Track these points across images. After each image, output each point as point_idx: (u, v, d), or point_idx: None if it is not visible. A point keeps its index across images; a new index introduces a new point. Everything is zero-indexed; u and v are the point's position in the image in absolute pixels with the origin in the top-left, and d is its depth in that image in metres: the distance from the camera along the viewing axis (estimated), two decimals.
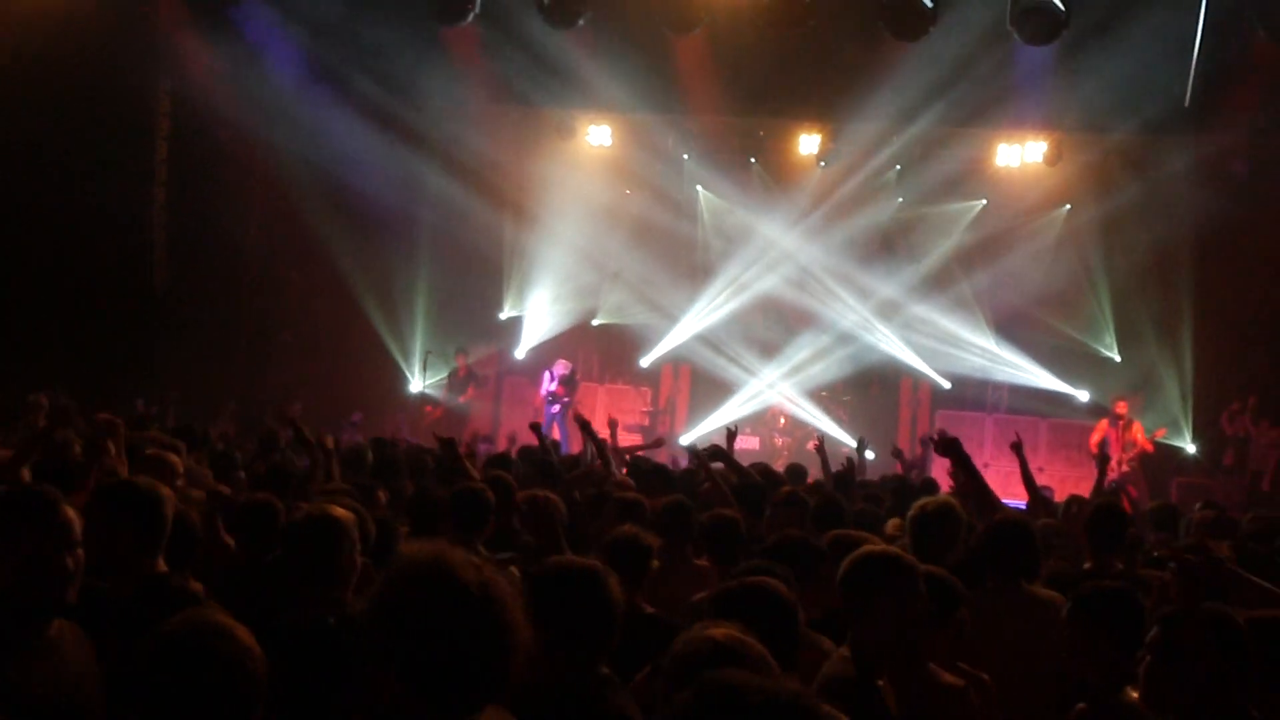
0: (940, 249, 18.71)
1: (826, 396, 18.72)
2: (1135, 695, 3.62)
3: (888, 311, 18.66)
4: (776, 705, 2.00)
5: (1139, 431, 15.92)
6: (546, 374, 17.84)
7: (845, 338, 18.61)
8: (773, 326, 19.17)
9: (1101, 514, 6.17)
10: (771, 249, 18.68)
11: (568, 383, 17.67)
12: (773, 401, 18.55)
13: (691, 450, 6.63)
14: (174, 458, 6.08)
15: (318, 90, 15.80)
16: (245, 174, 16.75)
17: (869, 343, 18.55)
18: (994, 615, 4.76)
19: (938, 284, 18.69)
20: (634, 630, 3.75)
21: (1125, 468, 15.45)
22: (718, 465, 8.23)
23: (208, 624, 2.44)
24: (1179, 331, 17.39)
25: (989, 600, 4.90)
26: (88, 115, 14.61)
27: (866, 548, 4.09)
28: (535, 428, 10.14)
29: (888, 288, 18.71)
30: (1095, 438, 16.19)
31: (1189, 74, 13.51)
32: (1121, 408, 16.25)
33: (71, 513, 3.26)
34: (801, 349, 18.75)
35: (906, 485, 9.26)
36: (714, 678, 2.09)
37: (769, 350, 18.83)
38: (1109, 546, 5.91)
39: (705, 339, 18.75)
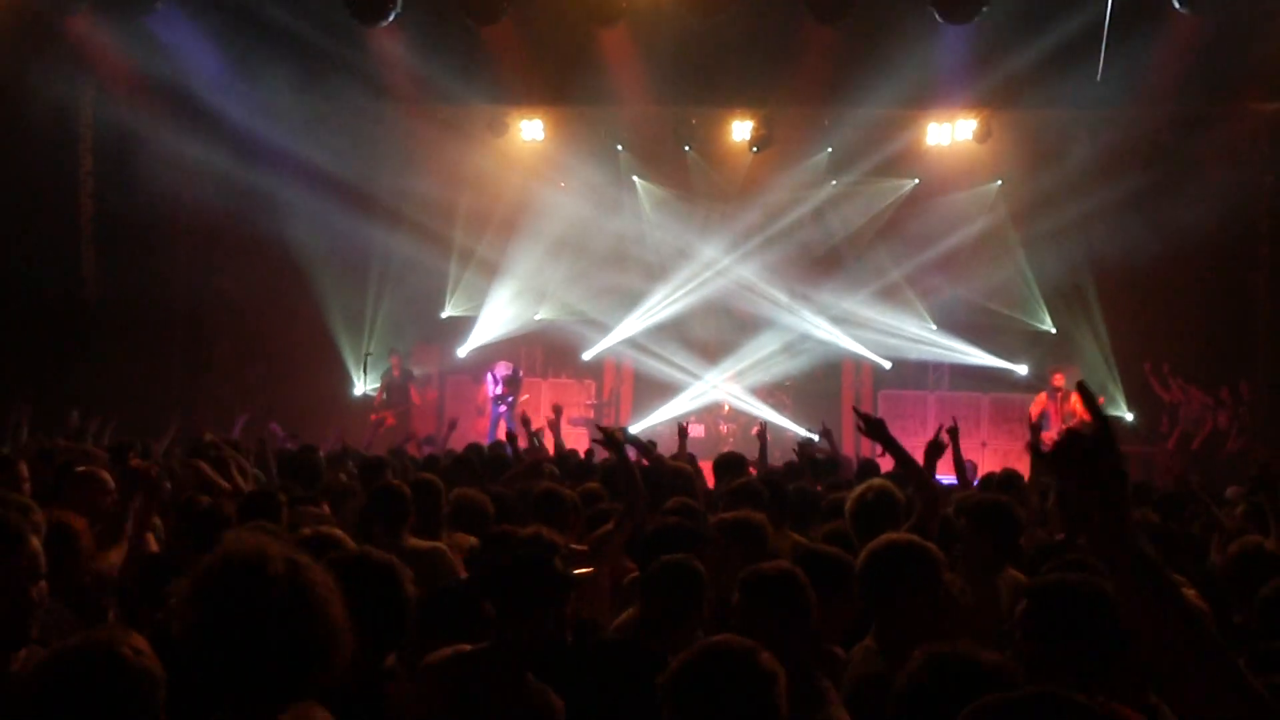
0: (872, 229, 18.90)
1: (770, 382, 18.85)
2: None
3: (828, 303, 18.83)
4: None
5: (1077, 402, 16.04)
6: (489, 376, 17.84)
7: (785, 331, 18.76)
8: (713, 327, 19.28)
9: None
10: (710, 246, 18.77)
11: (511, 383, 17.71)
12: (717, 398, 18.65)
13: (607, 435, 6.46)
14: (105, 474, 6.01)
15: (242, 92, 15.63)
16: (173, 180, 16.53)
17: (808, 332, 18.69)
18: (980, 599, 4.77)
19: (874, 270, 18.88)
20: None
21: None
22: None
23: (99, 643, 2.44)
24: (1088, 301, 17.73)
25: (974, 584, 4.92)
26: (8, 128, 14.40)
27: (886, 537, 4.16)
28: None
29: (826, 278, 18.89)
30: (1035, 410, 16.38)
31: (1100, 49, 13.62)
32: (1058, 379, 16.46)
33: (38, 544, 3.25)
34: (743, 345, 18.89)
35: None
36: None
37: (710, 350, 18.95)
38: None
39: (646, 338, 18.85)
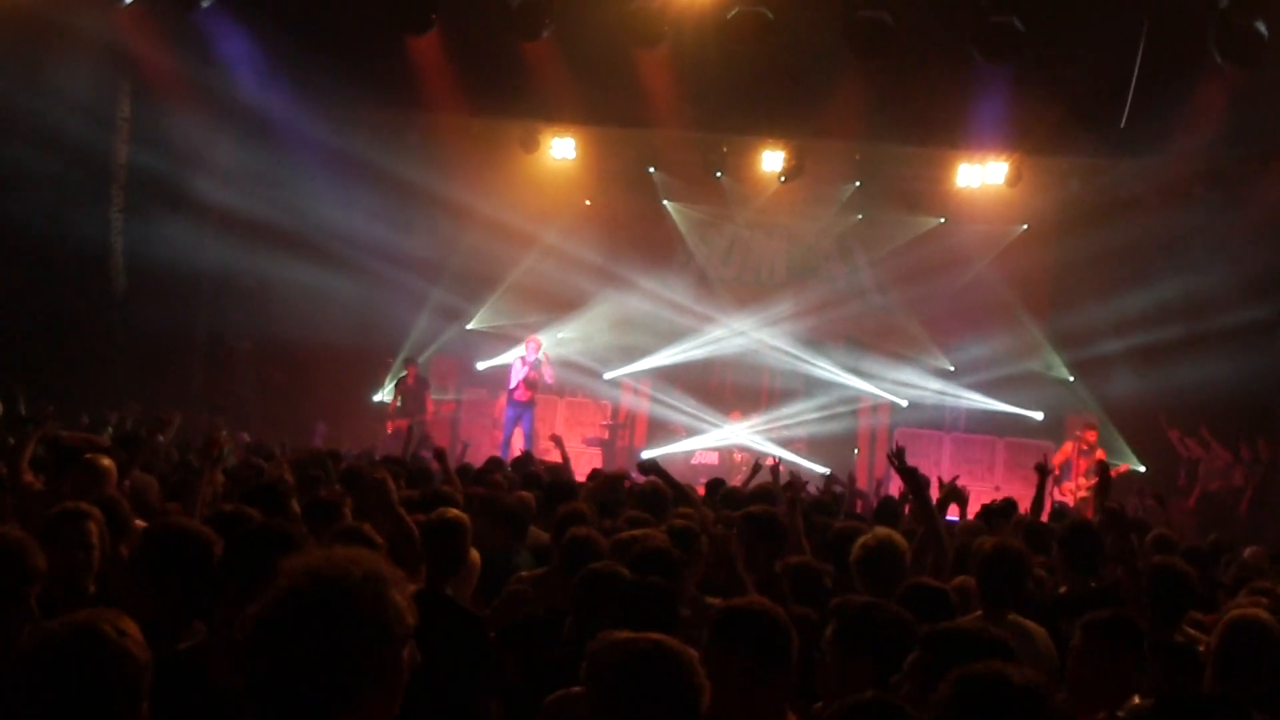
0: (896, 264, 18.99)
1: (787, 417, 18.88)
2: None
3: (848, 341, 18.99)
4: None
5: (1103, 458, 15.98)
6: (517, 361, 17.36)
7: (809, 381, 18.86)
8: (733, 376, 19.37)
9: (1075, 532, 6.17)
10: (737, 308, 19.08)
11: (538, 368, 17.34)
12: (733, 439, 18.69)
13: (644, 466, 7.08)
14: (107, 461, 6.06)
15: (279, 96, 15.73)
16: (204, 178, 16.64)
17: (827, 378, 18.80)
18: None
19: (895, 308, 19.01)
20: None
21: (1084, 493, 15.50)
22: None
23: (85, 627, 2.42)
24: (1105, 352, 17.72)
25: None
26: (46, 120, 14.47)
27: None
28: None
29: (846, 313, 18.99)
30: (1058, 459, 16.34)
31: (1127, 95, 13.65)
32: (1091, 435, 16.42)
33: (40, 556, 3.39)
34: (765, 398, 19.12)
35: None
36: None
37: (728, 397, 19.03)
38: (1085, 566, 5.93)
39: (667, 374, 19.03)
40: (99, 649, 2.41)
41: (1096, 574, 6.01)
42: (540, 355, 17.18)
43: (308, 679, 2.16)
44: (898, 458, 6.31)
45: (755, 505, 6.66)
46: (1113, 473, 15.52)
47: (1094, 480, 15.55)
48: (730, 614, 3.43)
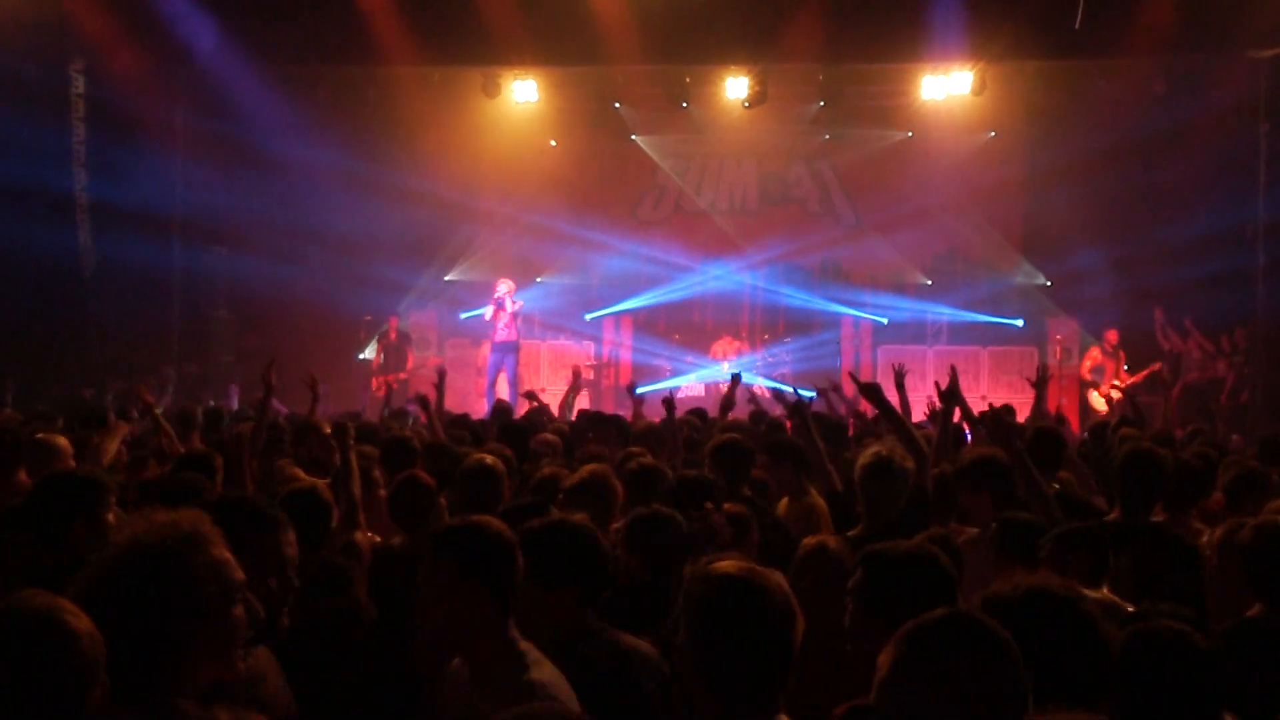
0: (865, 180, 19.02)
1: (769, 339, 18.98)
2: None
3: (824, 265, 19.05)
4: None
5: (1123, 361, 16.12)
6: (491, 306, 16.77)
7: (789, 308, 18.94)
8: (714, 311, 19.43)
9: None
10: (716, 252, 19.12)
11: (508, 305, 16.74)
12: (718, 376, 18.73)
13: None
14: (61, 440, 6.08)
15: (239, 62, 15.58)
16: (166, 148, 16.51)
17: (807, 304, 18.87)
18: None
19: (868, 225, 19.04)
20: None
21: (1118, 395, 15.24)
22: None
23: (27, 608, 2.25)
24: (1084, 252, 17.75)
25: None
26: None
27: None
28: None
29: (820, 234, 19.02)
30: (1086, 365, 16.36)
31: None
32: (1113, 336, 16.42)
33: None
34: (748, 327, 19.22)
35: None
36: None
37: (711, 331, 19.09)
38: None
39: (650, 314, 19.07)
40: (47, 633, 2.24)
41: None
42: (505, 292, 16.65)
43: (127, 642, 2.28)
44: (868, 393, 6.41)
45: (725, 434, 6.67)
46: (1144, 373, 15.76)
47: (1130, 380, 15.62)
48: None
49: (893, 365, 8.46)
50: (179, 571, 2.36)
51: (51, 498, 4.14)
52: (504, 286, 16.67)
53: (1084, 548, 4.21)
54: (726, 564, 2.76)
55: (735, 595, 2.64)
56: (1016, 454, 5.13)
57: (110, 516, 4.11)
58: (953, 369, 6.96)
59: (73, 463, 5.84)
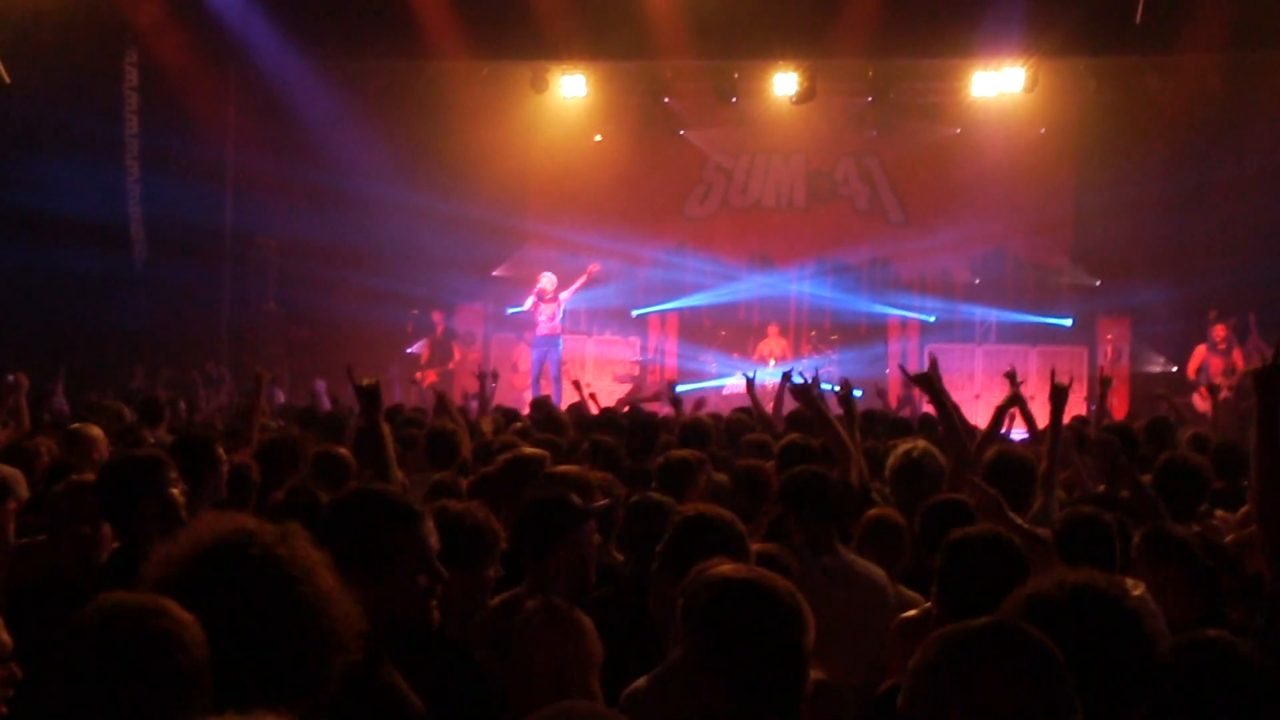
0: (914, 177, 18.88)
1: (815, 336, 18.87)
2: None
3: (872, 263, 18.96)
4: None
5: (1239, 358, 15.48)
6: (534, 298, 16.61)
7: (836, 307, 18.91)
8: (763, 310, 19.40)
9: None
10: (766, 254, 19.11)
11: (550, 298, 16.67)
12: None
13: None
14: (95, 430, 6.12)
15: (290, 57, 15.70)
16: (217, 142, 16.67)
17: (854, 303, 18.78)
18: None
19: (917, 223, 18.91)
20: None
21: (1226, 393, 14.70)
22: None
23: (127, 604, 2.09)
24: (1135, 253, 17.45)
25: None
26: (54, 93, 14.49)
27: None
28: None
29: (869, 231, 18.92)
30: (1194, 364, 15.93)
31: None
32: (1221, 331, 15.87)
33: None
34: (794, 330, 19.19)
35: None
36: None
37: (756, 331, 19.02)
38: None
39: (695, 313, 19.20)
40: (154, 630, 2.07)
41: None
42: (548, 285, 16.57)
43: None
44: (920, 381, 6.42)
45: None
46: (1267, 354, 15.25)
47: (1235, 379, 15.02)
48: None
49: (929, 356, 8.35)
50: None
51: (115, 480, 4.07)
52: (546, 279, 16.66)
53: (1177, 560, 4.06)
54: (727, 567, 2.70)
55: (742, 597, 2.57)
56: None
57: (176, 492, 4.06)
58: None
59: (106, 451, 5.88)
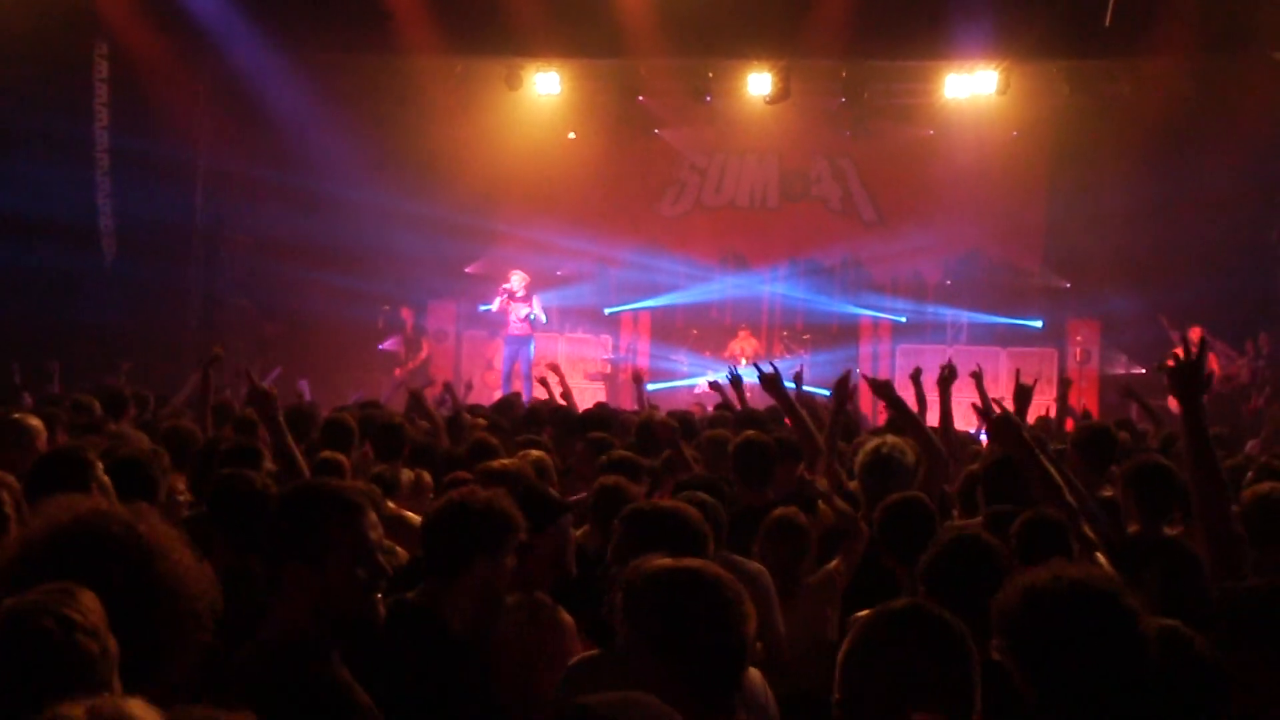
0: (887, 178, 18.95)
1: (787, 336, 18.92)
2: None
3: (845, 263, 18.99)
4: None
5: (1213, 361, 15.54)
6: (503, 297, 16.68)
7: (808, 307, 18.93)
8: (735, 309, 19.41)
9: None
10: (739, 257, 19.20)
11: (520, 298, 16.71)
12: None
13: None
14: (34, 421, 6.04)
15: (262, 51, 15.59)
16: (188, 138, 16.53)
17: (825, 303, 18.82)
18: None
19: (889, 225, 18.98)
20: None
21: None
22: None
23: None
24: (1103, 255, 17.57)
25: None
26: (22, 88, 14.34)
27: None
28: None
29: (841, 231, 18.98)
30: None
31: None
32: (1195, 333, 15.93)
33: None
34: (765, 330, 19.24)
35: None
36: None
37: (730, 330, 19.03)
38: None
39: (667, 312, 19.20)
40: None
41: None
42: (517, 284, 16.64)
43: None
44: (879, 390, 6.43)
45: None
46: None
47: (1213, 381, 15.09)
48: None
49: (911, 370, 8.44)
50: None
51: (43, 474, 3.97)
52: (516, 278, 16.65)
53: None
54: (667, 560, 2.71)
55: (686, 587, 2.59)
56: (1028, 453, 4.59)
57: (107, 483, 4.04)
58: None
59: (44, 445, 5.79)
